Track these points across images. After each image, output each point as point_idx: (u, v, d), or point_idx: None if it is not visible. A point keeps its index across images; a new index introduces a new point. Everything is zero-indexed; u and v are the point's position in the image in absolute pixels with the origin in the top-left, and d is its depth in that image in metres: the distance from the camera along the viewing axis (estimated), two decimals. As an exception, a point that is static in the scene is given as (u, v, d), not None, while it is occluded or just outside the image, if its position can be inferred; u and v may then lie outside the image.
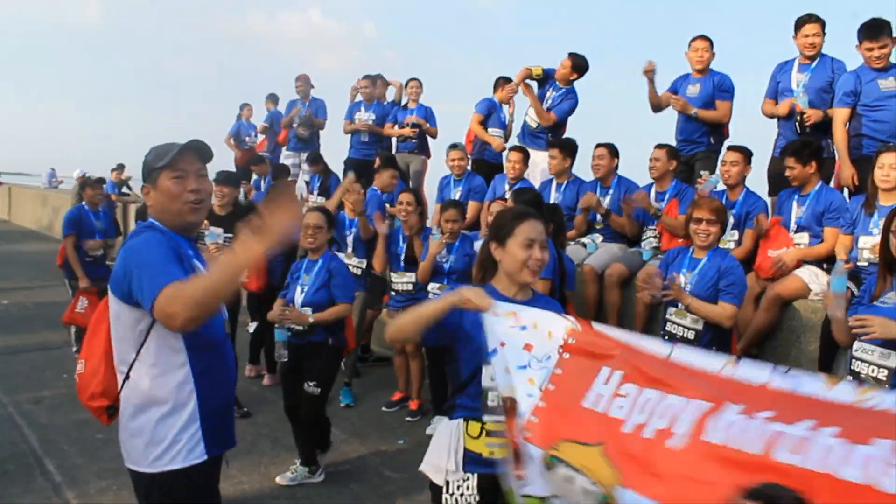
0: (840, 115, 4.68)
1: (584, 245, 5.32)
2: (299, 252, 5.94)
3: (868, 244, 3.75)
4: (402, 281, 5.15)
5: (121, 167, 13.89)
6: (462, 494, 2.14)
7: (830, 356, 3.73)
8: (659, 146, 5.08)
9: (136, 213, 9.88)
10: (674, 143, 5.63)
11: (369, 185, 6.02)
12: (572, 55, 6.34)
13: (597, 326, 1.99)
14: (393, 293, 5.24)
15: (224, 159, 9.99)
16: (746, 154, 4.66)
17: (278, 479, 4.02)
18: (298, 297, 4.10)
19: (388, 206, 6.08)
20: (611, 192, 5.36)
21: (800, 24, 4.95)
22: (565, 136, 6.35)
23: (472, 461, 2.14)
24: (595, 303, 4.89)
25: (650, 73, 5.65)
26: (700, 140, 5.61)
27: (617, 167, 5.43)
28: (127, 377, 2.01)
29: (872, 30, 4.46)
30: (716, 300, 3.53)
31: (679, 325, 3.63)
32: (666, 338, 3.61)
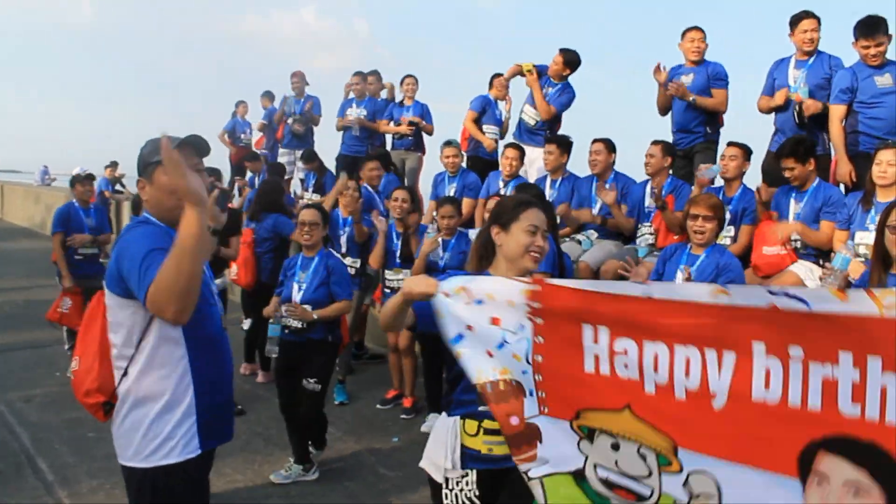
0: (836, 112, 4.67)
1: (580, 242, 5.31)
2: (291, 249, 5.90)
3: (865, 239, 3.76)
4: (397, 278, 5.12)
5: (114, 164, 13.76)
6: (462, 490, 2.11)
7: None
8: (654, 142, 5.07)
9: (132, 205, 9.81)
10: (670, 138, 5.61)
11: (360, 183, 5.99)
12: (563, 51, 6.35)
13: (554, 281, 1.89)
14: (387, 290, 5.21)
15: (218, 156, 9.95)
16: (746, 150, 4.67)
17: (272, 477, 4.00)
18: (297, 295, 4.07)
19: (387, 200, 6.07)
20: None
21: (796, 20, 4.93)
22: (560, 132, 6.35)
23: (470, 458, 2.12)
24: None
25: (663, 77, 5.56)
26: (697, 130, 5.57)
27: (614, 163, 5.41)
28: (125, 373, 2.00)
29: (869, 27, 4.45)
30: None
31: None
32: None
